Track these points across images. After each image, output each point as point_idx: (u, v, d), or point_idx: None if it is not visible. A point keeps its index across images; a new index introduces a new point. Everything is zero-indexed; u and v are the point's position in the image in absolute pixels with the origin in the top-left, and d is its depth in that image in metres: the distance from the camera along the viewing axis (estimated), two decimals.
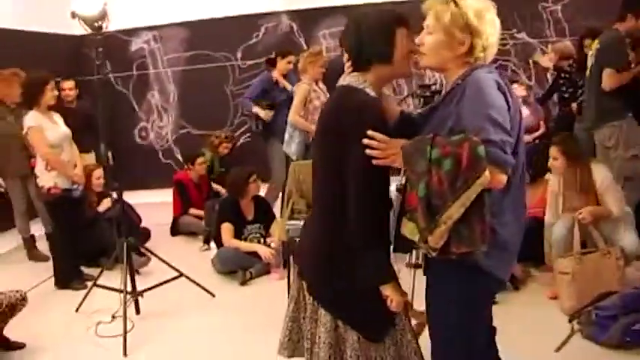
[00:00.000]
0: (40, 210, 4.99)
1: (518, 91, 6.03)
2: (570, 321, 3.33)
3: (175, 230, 6.02)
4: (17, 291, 3.49)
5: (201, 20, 7.05)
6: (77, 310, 4.12)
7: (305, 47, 6.94)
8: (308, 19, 7.14)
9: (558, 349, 3.15)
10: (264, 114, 5.58)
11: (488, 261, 1.81)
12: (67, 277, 4.59)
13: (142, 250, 4.67)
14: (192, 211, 6.00)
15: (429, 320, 2.03)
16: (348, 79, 2.00)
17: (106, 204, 5.19)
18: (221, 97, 7.32)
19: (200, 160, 6.12)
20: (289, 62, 5.64)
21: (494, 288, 2.05)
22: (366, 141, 1.81)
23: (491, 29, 1.90)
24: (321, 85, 5.21)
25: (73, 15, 3.54)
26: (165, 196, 6.27)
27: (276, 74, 5.64)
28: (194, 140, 7.21)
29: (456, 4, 1.87)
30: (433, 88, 3.90)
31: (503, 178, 1.74)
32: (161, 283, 4.03)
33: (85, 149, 5.37)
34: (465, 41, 1.89)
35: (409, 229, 1.80)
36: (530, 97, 6.61)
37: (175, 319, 3.96)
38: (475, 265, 1.81)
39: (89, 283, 4.23)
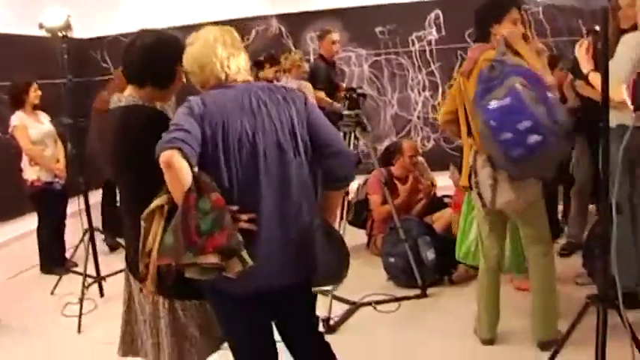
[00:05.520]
0: None
1: None
2: None
3: None
4: None
5: (197, 24, 7.35)
6: (52, 292, 4.53)
7: (293, 49, 7.24)
8: (296, 22, 7.46)
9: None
10: None
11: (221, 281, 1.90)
12: (51, 264, 5.00)
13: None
14: None
15: None
16: (125, 99, 2.13)
17: None
18: None
19: None
20: (277, 72, 5.90)
21: (234, 304, 2.10)
22: None
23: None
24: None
25: (40, 26, 3.92)
26: None
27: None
28: None
29: None
30: (359, 91, 4.04)
31: (170, 153, 1.80)
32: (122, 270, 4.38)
33: None
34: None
35: None
36: None
37: None
38: (209, 286, 1.99)
39: (77, 269, 4.68)
